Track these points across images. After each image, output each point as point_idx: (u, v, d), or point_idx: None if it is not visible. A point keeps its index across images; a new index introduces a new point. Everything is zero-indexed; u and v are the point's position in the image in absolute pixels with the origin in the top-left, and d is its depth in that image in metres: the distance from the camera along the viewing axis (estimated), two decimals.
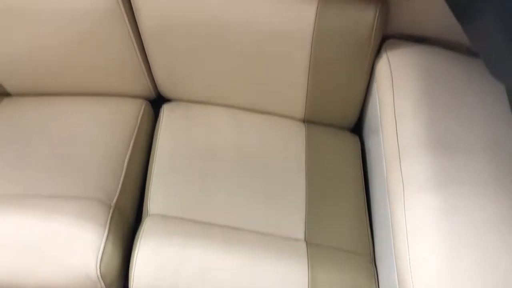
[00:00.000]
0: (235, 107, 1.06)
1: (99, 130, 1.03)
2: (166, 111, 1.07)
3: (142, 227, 0.89)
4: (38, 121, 1.05)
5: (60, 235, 0.87)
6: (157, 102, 1.13)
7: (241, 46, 0.90)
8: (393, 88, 0.81)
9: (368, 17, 0.79)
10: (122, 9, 0.89)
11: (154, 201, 0.94)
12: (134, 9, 0.91)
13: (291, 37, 0.85)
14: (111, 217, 0.90)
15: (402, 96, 0.79)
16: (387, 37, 0.89)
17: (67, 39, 0.95)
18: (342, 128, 1.06)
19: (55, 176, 0.96)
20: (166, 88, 1.08)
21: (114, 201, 0.94)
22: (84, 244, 0.86)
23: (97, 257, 0.86)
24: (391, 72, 0.82)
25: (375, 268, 0.85)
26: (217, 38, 0.90)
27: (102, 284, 0.86)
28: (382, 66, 0.84)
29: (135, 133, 1.04)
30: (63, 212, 0.89)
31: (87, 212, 0.90)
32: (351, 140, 1.04)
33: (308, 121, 1.05)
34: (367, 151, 1.03)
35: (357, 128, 1.08)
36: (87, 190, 0.94)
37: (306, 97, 0.97)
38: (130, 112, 1.07)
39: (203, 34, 0.90)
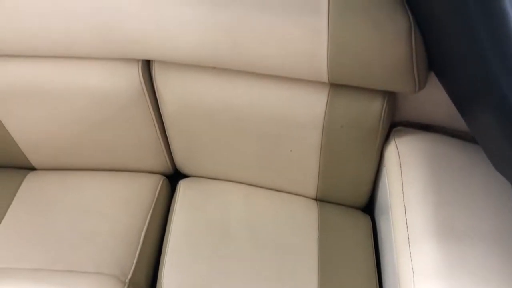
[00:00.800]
0: (249, 184, 1.10)
1: (117, 205, 1.07)
2: (182, 187, 1.11)
3: None
4: (59, 195, 1.09)
5: None
6: (174, 176, 1.17)
7: (254, 128, 0.95)
8: (401, 174, 0.84)
9: (376, 107, 0.84)
10: (146, 94, 0.96)
11: (168, 277, 0.96)
12: (157, 94, 0.97)
13: (302, 123, 0.89)
14: None
15: (410, 183, 0.82)
16: (395, 124, 0.94)
17: (88, 120, 1.01)
18: (354, 207, 1.08)
19: (71, 251, 0.99)
20: (183, 165, 1.13)
21: (129, 277, 0.96)
22: None
23: None
24: (399, 159, 0.86)
25: None
26: (232, 121, 0.95)
27: None
28: (391, 152, 0.88)
29: (152, 208, 1.07)
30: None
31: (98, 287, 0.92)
32: (363, 220, 1.06)
33: (320, 199, 1.07)
34: (378, 229, 1.04)
35: (369, 206, 1.10)
36: (103, 265, 0.96)
37: (318, 178, 1.00)
38: (148, 188, 1.11)
39: (219, 118, 0.96)
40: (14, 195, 1.09)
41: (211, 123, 0.98)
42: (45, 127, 1.03)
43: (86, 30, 0.86)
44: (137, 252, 1.00)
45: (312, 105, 0.86)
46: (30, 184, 1.12)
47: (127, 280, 0.95)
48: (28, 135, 1.06)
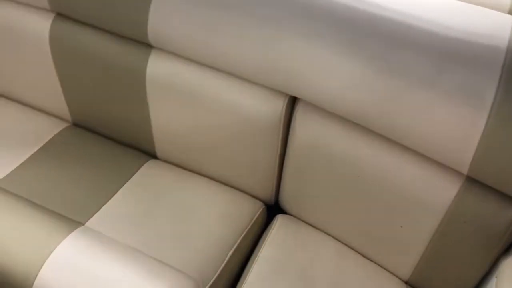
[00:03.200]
0: (345, 243, 1.09)
1: (216, 217, 1.11)
2: (279, 222, 1.13)
3: None
4: (168, 189, 1.17)
5: None
6: (271, 207, 1.20)
7: (372, 194, 0.96)
8: None
9: (508, 215, 0.80)
10: (281, 126, 1.01)
11: None
12: (290, 128, 1.02)
13: (425, 204, 0.88)
14: None
15: None
16: None
17: (222, 131, 1.08)
18: None
19: (163, 242, 1.05)
20: (286, 201, 1.15)
21: (207, 287, 0.99)
22: None
23: None
24: None
25: None
26: (352, 179, 0.97)
27: None
28: (509, 266, 0.83)
29: (245, 232, 1.10)
30: (161, 278, 0.96)
31: (179, 286, 0.95)
32: None
33: (411, 284, 1.04)
34: None
35: None
36: (187, 266, 1.00)
37: (418, 262, 0.97)
38: (248, 211, 1.14)
39: (341, 171, 0.97)
40: (132, 175, 1.19)
41: (330, 174, 1.00)
42: (183, 125, 1.12)
43: (255, 57, 0.93)
44: (221, 267, 1.03)
45: (441, 190, 0.85)
46: (148, 171, 1.21)
47: None
48: (165, 127, 1.15)
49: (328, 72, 0.88)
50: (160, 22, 1.00)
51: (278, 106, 0.99)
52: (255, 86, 1.00)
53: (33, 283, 0.96)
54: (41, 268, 0.97)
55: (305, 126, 0.98)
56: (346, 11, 0.88)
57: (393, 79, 0.81)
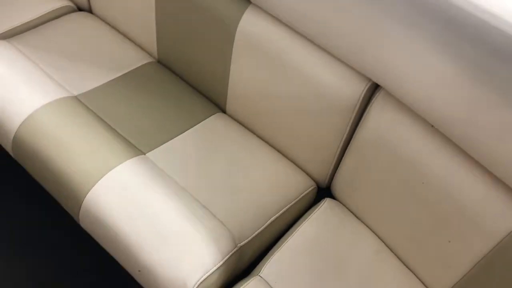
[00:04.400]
0: (386, 243, 1.07)
1: (267, 181, 1.13)
2: (325, 205, 1.13)
3: (245, 285, 0.94)
4: (228, 142, 1.19)
5: (187, 237, 0.97)
6: (322, 190, 1.20)
7: (430, 202, 0.93)
8: None
9: None
10: (355, 111, 0.99)
11: (269, 268, 0.99)
12: (363, 116, 1.00)
13: (484, 226, 0.84)
14: (232, 255, 0.98)
15: None
16: None
17: (296, 101, 1.08)
18: None
19: (212, 191, 1.08)
20: (338, 187, 1.14)
21: (241, 244, 1.01)
22: (199, 259, 0.95)
23: (200, 278, 0.93)
24: None
25: None
26: (413, 184, 0.94)
27: None
28: None
29: (291, 204, 1.11)
30: (201, 222, 0.99)
31: (218, 236, 0.99)
32: None
33: None
34: None
35: None
36: (229, 219, 1.03)
37: (457, 281, 0.94)
38: (299, 186, 1.15)
39: (405, 171, 0.95)
40: (199, 122, 1.22)
41: (392, 172, 0.97)
42: (259, 86, 1.13)
43: (350, 34, 0.92)
44: (259, 230, 1.05)
45: (504, 217, 0.81)
46: (214, 121, 1.24)
47: (239, 245, 1.01)
48: (241, 84, 1.17)
49: (420, 66, 0.85)
50: None
51: (359, 89, 0.97)
52: (340, 63, 0.99)
53: (87, 194, 1.02)
54: (97, 182, 1.03)
55: (379, 118, 0.96)
56: (453, 10, 0.84)
57: (491, 91, 0.77)
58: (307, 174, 1.18)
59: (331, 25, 0.95)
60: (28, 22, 1.38)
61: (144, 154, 1.13)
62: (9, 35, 1.35)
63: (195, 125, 1.22)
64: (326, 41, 0.98)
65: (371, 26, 0.90)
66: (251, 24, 1.08)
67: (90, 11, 1.49)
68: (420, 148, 0.92)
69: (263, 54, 1.08)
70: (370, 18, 0.90)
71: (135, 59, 1.35)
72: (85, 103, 1.20)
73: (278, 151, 1.21)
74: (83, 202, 1.02)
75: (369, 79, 0.97)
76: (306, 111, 1.07)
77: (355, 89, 0.98)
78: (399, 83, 0.89)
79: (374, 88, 0.98)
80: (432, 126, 0.89)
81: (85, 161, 1.06)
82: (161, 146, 1.15)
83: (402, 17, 0.87)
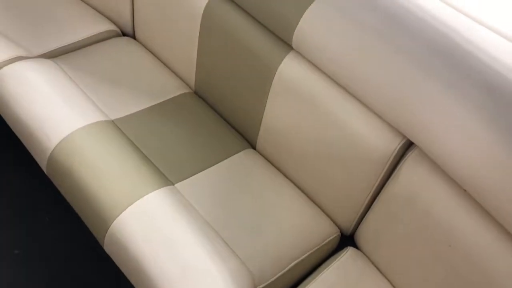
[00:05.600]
0: None
1: (291, 224, 1.13)
2: (348, 254, 1.12)
3: None
4: (256, 180, 1.20)
5: (208, 275, 0.97)
6: (344, 237, 1.19)
7: (455, 266, 0.91)
8: None
9: None
10: (387, 165, 1.00)
11: None
12: (395, 170, 1.00)
13: None
14: None
15: None
16: None
17: (328, 146, 1.09)
18: None
19: (236, 227, 1.09)
20: (362, 237, 1.14)
21: (261, 286, 1.01)
22: None
23: None
24: None
25: None
26: (439, 246, 0.93)
27: None
28: None
29: (314, 249, 1.11)
30: (223, 260, 1.00)
31: (239, 276, 0.99)
32: None
33: None
34: None
35: None
36: (250, 259, 1.04)
37: None
38: (323, 231, 1.14)
39: (430, 234, 0.94)
40: (228, 156, 1.24)
41: (419, 231, 0.97)
42: (292, 128, 1.14)
43: (388, 90, 0.93)
44: (280, 273, 1.05)
45: None
46: (243, 157, 1.25)
47: (258, 287, 1.00)
48: (274, 124, 1.19)
49: (456, 130, 0.86)
50: (309, 29, 1.03)
51: (393, 144, 0.98)
52: (376, 116, 1.00)
53: (114, 220, 1.04)
54: (125, 209, 1.05)
55: (411, 175, 0.96)
56: (494, 76, 0.85)
57: None
58: (332, 220, 1.18)
59: (371, 79, 0.96)
60: (74, 43, 1.44)
61: (173, 184, 1.14)
62: (55, 54, 1.40)
63: (224, 159, 1.23)
64: (364, 93, 0.99)
65: (411, 85, 0.91)
66: (291, 68, 1.10)
67: (133, 37, 1.53)
68: (450, 211, 0.91)
69: (300, 98, 1.10)
70: (411, 76, 0.91)
71: (172, 88, 1.38)
72: (121, 128, 1.23)
73: (304, 193, 1.21)
74: (110, 227, 1.04)
75: (404, 136, 0.97)
76: (336, 157, 1.08)
77: (389, 144, 0.98)
78: (434, 144, 0.90)
79: (409, 145, 0.99)
80: (465, 190, 0.89)
81: (116, 186, 1.08)
82: (190, 178, 1.17)
83: (443, 78, 0.88)
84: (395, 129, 0.98)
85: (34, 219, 1.44)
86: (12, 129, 1.26)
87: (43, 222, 1.44)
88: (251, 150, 1.29)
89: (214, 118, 1.33)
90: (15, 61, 1.32)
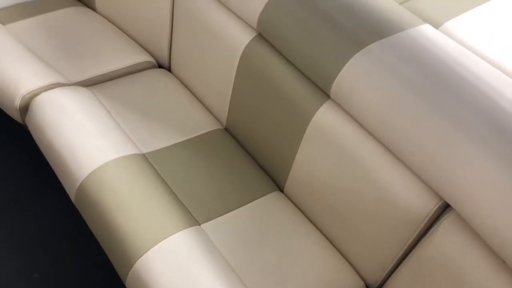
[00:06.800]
0: None
1: (316, 275, 1.10)
2: None
3: None
4: (283, 225, 1.18)
5: None
6: None
7: None
8: None
9: None
10: (423, 225, 0.97)
11: None
12: (429, 233, 0.97)
13: None
14: None
15: None
16: None
17: (358, 200, 1.07)
18: None
19: (259, 274, 1.07)
20: None
21: None
22: None
23: None
24: None
25: None
26: None
27: None
28: None
29: None
30: None
31: None
32: None
33: None
34: None
35: None
36: None
37: None
38: (347, 284, 1.11)
39: None
40: (256, 198, 1.22)
41: None
42: (323, 176, 1.12)
43: (424, 150, 0.91)
44: None
45: None
46: (271, 200, 1.23)
47: None
48: (304, 169, 1.17)
49: (497, 196, 0.83)
50: (349, 80, 1.03)
51: (429, 205, 0.95)
52: (412, 174, 0.98)
53: (139, 258, 1.03)
54: (151, 248, 1.04)
55: (447, 239, 0.93)
56: None
57: None
58: (358, 273, 1.15)
59: (408, 136, 0.94)
60: (110, 72, 1.46)
61: (199, 225, 1.13)
62: (92, 83, 1.43)
63: (252, 201, 1.22)
64: (401, 150, 0.97)
65: (449, 146, 0.89)
66: (327, 117, 1.09)
67: (169, 69, 1.55)
68: (485, 281, 0.87)
69: (334, 147, 1.08)
70: (450, 137, 0.89)
71: (203, 124, 1.38)
72: (152, 163, 1.23)
73: (331, 242, 1.18)
74: (134, 265, 1.03)
75: (441, 198, 0.95)
76: (368, 211, 1.06)
77: (425, 205, 0.95)
78: (473, 210, 0.87)
79: (445, 206, 0.96)
80: (504, 262, 0.86)
81: (143, 224, 1.07)
82: (216, 219, 1.16)
83: (483, 141, 0.86)
84: (433, 190, 0.96)
85: (55, 247, 1.45)
86: (44, 155, 1.27)
87: (64, 250, 1.44)
88: (279, 193, 1.27)
89: (243, 157, 1.33)
90: (53, 88, 1.34)
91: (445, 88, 0.94)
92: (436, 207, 0.95)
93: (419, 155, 0.94)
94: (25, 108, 1.33)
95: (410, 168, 0.98)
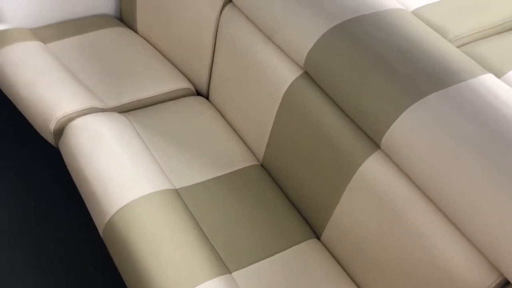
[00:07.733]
0: None
1: None
2: None
3: None
4: (319, 278, 1.10)
5: None
6: None
7: None
8: None
9: None
10: None
11: None
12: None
13: None
14: None
15: None
16: None
17: (404, 265, 0.98)
18: None
19: None
20: None
21: None
22: None
23: None
24: None
25: None
26: None
27: None
28: None
29: None
30: None
31: None
32: None
33: None
34: None
35: None
36: None
37: None
38: None
39: None
40: (291, 246, 1.15)
41: None
42: (366, 229, 1.04)
43: (487, 228, 0.83)
44: None
45: None
46: (307, 248, 1.16)
47: None
48: (346, 220, 1.09)
49: None
50: (402, 133, 0.95)
51: (486, 281, 0.86)
52: (469, 243, 0.89)
53: None
54: None
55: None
56: None
57: None
58: None
59: (465, 200, 0.86)
60: (148, 98, 1.42)
61: (230, 273, 1.07)
62: (128, 108, 1.39)
63: (287, 248, 1.14)
64: (455, 213, 0.88)
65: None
66: (375, 168, 1.01)
67: (207, 97, 1.50)
68: None
69: (381, 201, 1.00)
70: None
71: (240, 159, 1.32)
72: (184, 199, 1.18)
73: None
74: None
75: (501, 274, 0.85)
76: (413, 275, 0.97)
77: (482, 280, 0.86)
78: None
79: (505, 283, 0.87)
80: None
81: (172, 269, 1.02)
82: (248, 267, 1.09)
83: None
84: (491, 263, 0.86)
85: (80, 269, 1.41)
86: (75, 183, 1.24)
87: (89, 272, 1.41)
88: (315, 241, 1.19)
89: (279, 198, 1.25)
90: (89, 113, 1.31)
91: (508, 149, 0.86)
92: (495, 284, 0.85)
93: (477, 222, 0.85)
94: (60, 132, 1.30)
95: (466, 236, 0.89)
